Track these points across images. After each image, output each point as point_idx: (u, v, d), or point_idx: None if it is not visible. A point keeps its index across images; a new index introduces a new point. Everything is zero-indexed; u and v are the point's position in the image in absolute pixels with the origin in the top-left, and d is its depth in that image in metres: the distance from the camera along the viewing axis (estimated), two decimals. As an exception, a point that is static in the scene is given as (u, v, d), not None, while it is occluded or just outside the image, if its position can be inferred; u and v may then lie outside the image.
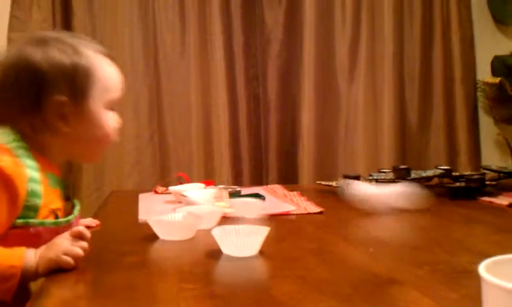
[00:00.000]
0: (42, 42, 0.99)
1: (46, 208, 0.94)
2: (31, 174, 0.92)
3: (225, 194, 1.46)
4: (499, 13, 2.70)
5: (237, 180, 2.49)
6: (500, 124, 2.69)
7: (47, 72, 0.96)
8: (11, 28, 2.35)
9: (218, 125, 2.53)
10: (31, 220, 0.91)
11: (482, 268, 0.47)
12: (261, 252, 0.94)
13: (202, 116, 2.53)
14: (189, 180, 1.85)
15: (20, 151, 0.94)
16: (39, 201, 0.92)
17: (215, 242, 0.93)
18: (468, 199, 1.49)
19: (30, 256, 0.86)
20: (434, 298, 0.69)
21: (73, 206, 1.06)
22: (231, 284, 0.79)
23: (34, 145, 0.97)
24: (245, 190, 1.58)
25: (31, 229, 0.91)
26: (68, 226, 0.98)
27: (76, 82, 0.98)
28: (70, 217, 1.00)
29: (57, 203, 0.99)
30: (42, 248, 0.88)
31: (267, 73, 2.61)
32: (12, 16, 2.35)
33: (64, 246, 0.86)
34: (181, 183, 1.70)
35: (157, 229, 1.08)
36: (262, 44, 2.61)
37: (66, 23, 2.40)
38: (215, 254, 0.99)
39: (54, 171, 1.01)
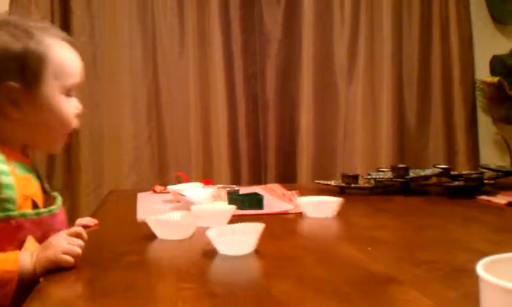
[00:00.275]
0: None
1: (21, 196, 0.92)
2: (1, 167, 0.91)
3: (223, 193, 1.46)
4: (498, 12, 2.70)
5: (236, 179, 2.49)
6: (498, 123, 2.69)
7: None
8: (10, 27, 2.35)
9: (217, 125, 2.52)
10: (12, 213, 0.89)
11: (480, 267, 0.47)
12: (259, 252, 0.94)
13: (201, 116, 2.53)
14: (188, 180, 1.85)
15: None
16: (12, 192, 0.90)
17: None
18: (466, 198, 1.49)
19: (25, 259, 0.85)
20: (432, 297, 0.69)
21: (54, 198, 1.04)
22: (229, 284, 0.79)
23: None
24: (243, 190, 1.58)
25: (12, 222, 0.89)
26: (52, 217, 0.97)
27: (27, 67, 0.96)
28: (52, 208, 0.98)
29: (31, 189, 0.97)
30: (39, 249, 0.88)
31: (266, 73, 2.61)
32: (11, 15, 2.35)
33: (63, 245, 0.86)
34: (179, 183, 1.70)
35: (155, 229, 1.07)
36: (260, 44, 2.61)
37: (65, 23, 2.40)
38: (213, 253, 0.99)
39: (21, 159, 0.99)
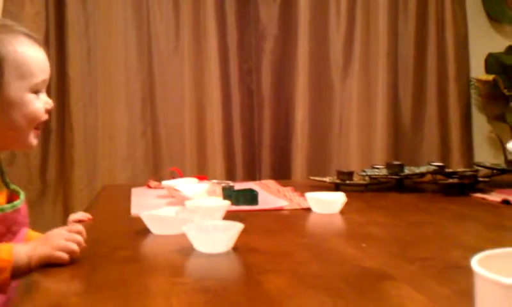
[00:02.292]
0: None
1: None
2: None
3: (218, 189, 1.46)
4: (493, 10, 2.70)
5: (230, 175, 2.49)
6: (493, 121, 2.70)
7: None
8: (4, 21, 2.34)
9: (211, 120, 2.52)
10: None
11: (475, 262, 0.47)
12: (254, 247, 0.94)
13: (195, 111, 2.52)
14: (182, 175, 1.85)
15: None
16: None
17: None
18: (461, 195, 1.49)
19: (19, 251, 0.85)
20: (426, 293, 0.69)
21: (17, 193, 1.04)
22: (223, 279, 0.79)
23: None
24: (238, 186, 1.58)
25: None
26: (15, 212, 0.99)
27: None
28: (15, 203, 0.99)
29: None
30: (36, 242, 0.88)
31: (261, 69, 2.61)
32: (5, 11, 2.34)
33: (59, 242, 0.86)
34: (174, 178, 1.69)
35: (149, 224, 1.07)
36: (256, 39, 2.60)
37: (60, 18, 2.39)
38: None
39: None
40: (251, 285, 0.75)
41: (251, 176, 2.53)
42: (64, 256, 0.84)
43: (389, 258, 0.89)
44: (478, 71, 2.66)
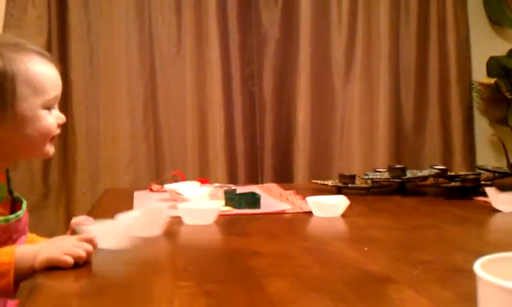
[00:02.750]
0: None
1: None
2: None
3: (220, 192, 1.46)
4: (495, 14, 2.70)
5: (232, 178, 2.49)
6: (495, 125, 2.70)
7: None
8: (6, 25, 2.35)
9: (213, 124, 2.52)
10: None
11: (478, 266, 0.47)
12: (257, 250, 0.94)
13: (197, 115, 2.52)
14: (185, 178, 1.85)
15: None
16: None
17: (211, 240, 0.93)
18: (463, 199, 1.49)
19: (23, 252, 0.85)
20: (428, 296, 0.69)
21: (20, 202, 1.06)
22: (225, 282, 0.79)
23: None
24: (240, 189, 1.58)
25: None
26: (18, 221, 1.00)
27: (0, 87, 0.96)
28: (19, 213, 1.01)
29: (2, 194, 1.01)
30: (43, 244, 0.88)
31: (263, 73, 2.61)
32: (7, 14, 2.34)
33: (66, 246, 0.85)
34: (176, 181, 1.69)
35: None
36: (258, 43, 2.61)
37: (62, 21, 2.39)
38: (208, 251, 0.99)
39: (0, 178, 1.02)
40: (253, 289, 0.75)
41: (253, 179, 2.53)
42: (70, 260, 0.84)
43: (391, 262, 0.89)
44: (480, 74, 2.66)
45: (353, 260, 0.90)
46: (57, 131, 1.06)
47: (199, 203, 1.28)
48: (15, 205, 1.05)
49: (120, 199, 1.62)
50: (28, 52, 1.01)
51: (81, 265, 0.85)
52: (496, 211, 1.29)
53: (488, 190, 1.31)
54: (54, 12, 2.40)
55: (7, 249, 0.86)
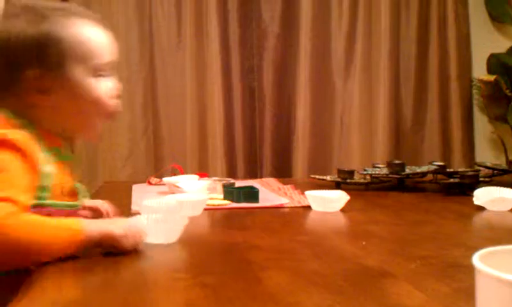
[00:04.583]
0: (12, 15, 0.95)
1: (55, 185, 0.93)
2: (42, 155, 0.91)
3: (219, 186, 1.46)
4: (496, 11, 2.70)
5: (231, 173, 2.49)
6: (494, 122, 2.70)
7: (14, 48, 0.93)
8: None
9: (213, 117, 2.52)
10: (44, 202, 0.90)
11: (476, 259, 0.46)
12: (255, 244, 0.94)
13: (197, 108, 2.52)
14: (184, 172, 1.84)
15: (30, 129, 0.93)
16: (49, 182, 0.91)
17: (208, 233, 0.93)
18: (461, 195, 1.49)
19: (89, 224, 0.85)
20: (425, 291, 0.68)
21: (78, 191, 1.04)
22: (223, 275, 0.78)
23: (33, 122, 0.95)
24: (239, 183, 1.58)
25: (44, 210, 0.89)
26: (74, 211, 0.98)
27: (46, 52, 0.93)
28: (77, 203, 1.00)
29: (64, 178, 0.98)
30: (106, 221, 0.89)
31: (263, 67, 2.61)
32: (7, 3, 2.33)
33: (130, 231, 0.85)
34: (175, 175, 1.69)
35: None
36: (258, 37, 2.60)
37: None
38: (206, 244, 0.99)
39: (60, 144, 0.99)
40: (251, 282, 0.75)
41: (252, 173, 2.53)
42: (128, 245, 0.84)
43: (389, 256, 0.88)
44: (480, 71, 2.66)
45: (351, 254, 0.90)
46: (113, 104, 1.01)
47: (186, 195, 1.28)
48: (72, 192, 1.03)
49: (118, 192, 1.62)
50: (76, 15, 0.98)
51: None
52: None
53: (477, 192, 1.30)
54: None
55: (74, 220, 0.85)
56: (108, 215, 1.13)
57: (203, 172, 1.99)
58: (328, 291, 0.69)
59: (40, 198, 0.90)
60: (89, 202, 1.13)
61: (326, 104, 2.63)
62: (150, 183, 1.71)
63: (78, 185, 1.05)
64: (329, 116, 2.64)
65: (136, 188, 1.61)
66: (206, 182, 1.50)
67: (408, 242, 1.00)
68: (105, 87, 1.00)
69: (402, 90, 2.69)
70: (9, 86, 0.94)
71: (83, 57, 0.96)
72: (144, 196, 1.47)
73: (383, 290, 0.70)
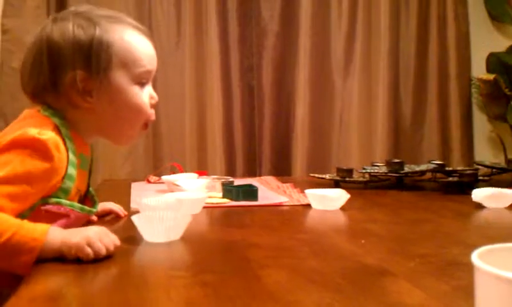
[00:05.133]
0: (62, 19, 0.98)
1: (75, 188, 0.96)
2: (70, 157, 0.93)
3: (218, 184, 1.46)
4: (495, 10, 2.70)
5: (230, 171, 2.49)
6: (493, 121, 2.70)
7: (62, 48, 0.95)
8: (5, 15, 2.34)
9: (212, 116, 2.52)
10: (63, 201, 0.93)
11: (475, 256, 0.47)
12: (254, 242, 0.94)
13: (196, 107, 2.52)
14: (183, 170, 1.84)
15: (64, 130, 0.95)
16: (71, 184, 0.94)
17: (207, 231, 0.93)
18: (460, 194, 1.49)
19: (54, 233, 0.83)
20: (425, 289, 0.69)
21: (92, 198, 1.07)
22: (222, 273, 0.78)
23: (68, 123, 0.97)
24: (238, 182, 1.58)
25: (62, 209, 0.93)
26: (86, 216, 1.01)
27: (93, 56, 0.95)
28: (92, 209, 1.02)
29: (83, 184, 1.01)
30: (72, 230, 0.86)
31: (262, 65, 2.61)
32: (6, 4, 2.33)
33: (93, 237, 0.82)
34: (174, 173, 1.69)
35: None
36: (257, 36, 2.60)
37: (61, 10, 2.38)
38: (206, 242, 0.99)
39: (85, 150, 1.02)
40: (250, 280, 0.75)
41: (252, 172, 2.53)
42: (90, 252, 0.81)
43: (388, 255, 0.88)
44: (479, 70, 2.66)
45: (350, 253, 0.90)
46: (152, 114, 1.04)
47: (185, 193, 1.28)
48: (85, 199, 1.04)
49: (117, 190, 1.62)
50: (124, 23, 1.01)
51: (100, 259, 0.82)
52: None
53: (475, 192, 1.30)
54: (53, 1, 2.39)
55: (42, 227, 0.83)
56: (124, 215, 1.17)
57: (202, 170, 2.00)
58: (327, 289, 0.69)
59: (59, 198, 0.92)
60: (103, 205, 1.16)
61: (326, 103, 2.63)
62: (149, 182, 1.71)
63: (91, 190, 1.08)
64: (328, 115, 2.64)
65: (135, 187, 1.61)
66: (205, 180, 1.50)
67: (407, 241, 1.00)
68: (146, 96, 1.03)
69: (401, 89, 2.69)
70: (52, 85, 0.96)
71: (129, 64, 0.99)
72: (143, 194, 1.47)
73: (382, 288, 0.71)
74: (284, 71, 2.62)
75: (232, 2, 2.56)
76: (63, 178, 0.92)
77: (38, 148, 0.88)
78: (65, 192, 0.93)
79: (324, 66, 2.63)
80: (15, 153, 0.87)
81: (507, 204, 1.26)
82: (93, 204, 1.06)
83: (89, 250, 0.82)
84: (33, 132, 0.89)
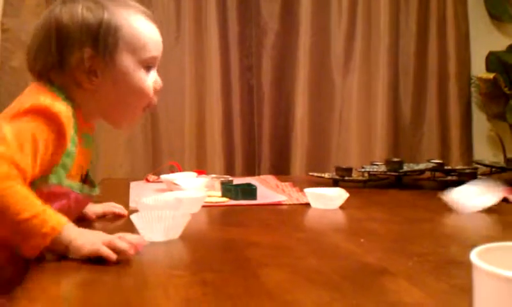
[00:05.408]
0: (71, 1, 0.99)
1: (76, 166, 0.96)
2: (72, 134, 0.94)
3: (217, 183, 1.46)
4: (495, 9, 2.70)
5: (230, 170, 2.49)
6: (493, 120, 2.70)
7: (70, 30, 0.96)
8: (5, 14, 2.34)
9: (211, 115, 2.52)
10: (63, 181, 0.93)
11: (474, 255, 0.47)
12: (253, 241, 0.94)
13: (195, 105, 2.52)
14: (182, 169, 1.84)
15: (69, 107, 0.95)
16: (70, 162, 0.94)
17: (206, 230, 0.93)
18: (459, 193, 1.49)
19: (69, 229, 0.82)
20: (423, 288, 0.69)
21: (91, 182, 1.06)
22: (221, 272, 0.78)
23: (73, 101, 0.97)
24: (237, 181, 1.58)
25: (62, 188, 0.94)
26: (86, 198, 1.01)
27: (101, 37, 0.96)
28: (92, 191, 1.02)
29: (86, 162, 1.01)
30: (86, 230, 0.86)
31: (262, 64, 2.60)
32: (6, 3, 2.34)
33: (108, 238, 0.82)
34: (173, 172, 1.69)
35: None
36: (257, 35, 2.60)
37: (60, 9, 2.38)
38: (205, 241, 0.99)
39: (89, 130, 1.02)
40: (249, 278, 0.75)
41: (251, 171, 2.53)
42: (113, 255, 0.79)
43: (387, 254, 0.89)
44: (479, 69, 2.66)
45: (349, 252, 0.90)
46: (154, 98, 1.05)
47: (184, 192, 1.28)
48: (84, 181, 1.04)
49: (116, 189, 1.62)
50: (132, 8, 1.02)
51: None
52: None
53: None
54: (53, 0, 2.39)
55: (61, 218, 0.83)
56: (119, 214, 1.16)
57: (201, 169, 2.00)
58: (325, 288, 0.69)
59: (58, 175, 0.92)
60: (102, 207, 1.16)
61: (325, 101, 2.63)
62: (147, 181, 1.71)
63: (90, 174, 1.08)
64: (327, 114, 2.64)
65: (134, 186, 1.61)
66: (204, 179, 1.50)
67: (406, 239, 1.00)
68: (151, 80, 1.04)
69: (401, 88, 2.69)
70: (59, 64, 0.97)
71: (136, 48, 1.00)
72: (142, 194, 1.47)
73: (381, 287, 0.71)
74: (284, 70, 2.62)
75: (232, 0, 2.55)
76: (65, 154, 0.93)
77: (50, 118, 0.90)
78: (64, 169, 0.93)
79: (323, 65, 2.63)
80: (28, 119, 0.88)
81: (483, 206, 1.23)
82: (92, 187, 1.06)
83: (110, 252, 0.80)
84: (47, 101, 0.91)
